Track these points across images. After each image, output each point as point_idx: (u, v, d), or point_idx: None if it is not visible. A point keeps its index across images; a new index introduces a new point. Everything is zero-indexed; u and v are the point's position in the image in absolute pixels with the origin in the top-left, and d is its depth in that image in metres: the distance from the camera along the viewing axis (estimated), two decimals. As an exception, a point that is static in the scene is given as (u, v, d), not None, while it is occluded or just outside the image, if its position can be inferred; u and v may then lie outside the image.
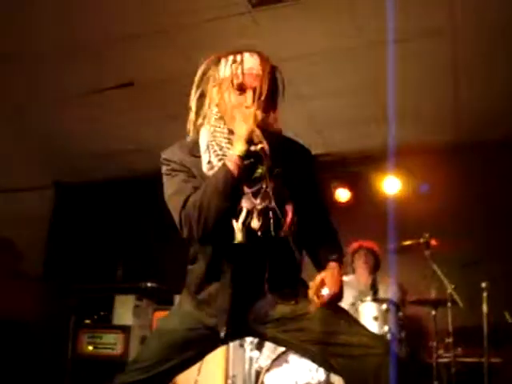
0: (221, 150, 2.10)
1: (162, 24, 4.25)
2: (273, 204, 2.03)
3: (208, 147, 2.13)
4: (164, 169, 2.18)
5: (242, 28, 4.20)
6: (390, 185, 5.90)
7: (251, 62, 2.12)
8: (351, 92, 5.07)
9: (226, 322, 2.09)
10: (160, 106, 5.36)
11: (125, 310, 6.03)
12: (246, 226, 2.02)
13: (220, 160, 2.06)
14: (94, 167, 6.92)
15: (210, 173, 2.07)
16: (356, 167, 6.10)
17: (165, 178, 2.18)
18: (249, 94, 2.06)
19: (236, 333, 2.16)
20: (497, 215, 5.49)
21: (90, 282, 6.34)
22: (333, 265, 2.10)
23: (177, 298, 5.90)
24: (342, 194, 6.07)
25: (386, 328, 4.32)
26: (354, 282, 4.98)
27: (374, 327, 4.26)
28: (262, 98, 2.05)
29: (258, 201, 2.03)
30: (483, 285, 4.23)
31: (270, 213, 2.03)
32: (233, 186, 1.96)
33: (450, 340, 4.34)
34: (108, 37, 4.40)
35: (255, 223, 2.02)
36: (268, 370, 3.87)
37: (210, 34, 4.28)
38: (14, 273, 6.14)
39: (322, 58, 4.61)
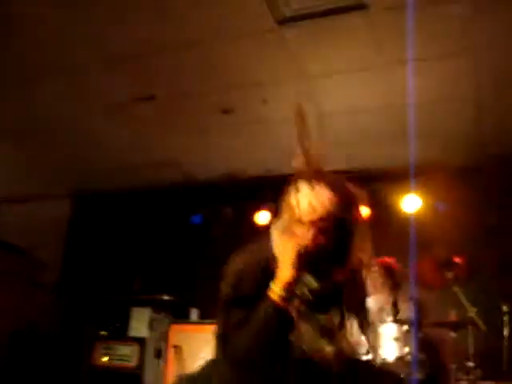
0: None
1: (186, 39, 4.26)
2: None
3: None
4: None
5: (267, 44, 4.21)
6: (411, 203, 5.86)
7: (316, 195, 1.92)
8: (374, 110, 5.06)
9: None
10: (183, 120, 5.40)
11: (141, 323, 6.04)
12: None
13: None
14: (113, 178, 6.94)
15: None
16: (376, 184, 6.06)
17: None
18: (308, 232, 1.86)
19: None
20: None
21: (107, 294, 6.36)
22: None
23: (192, 312, 5.95)
24: (362, 211, 6.01)
25: (406, 349, 4.27)
26: (372, 305, 4.90)
27: (394, 348, 4.21)
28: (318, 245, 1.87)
29: None
30: (504, 308, 4.19)
31: None
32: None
33: (469, 363, 4.28)
34: (134, 50, 4.42)
35: None
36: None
37: (234, 51, 4.31)
38: (32, 282, 6.16)
39: (345, 75, 4.61)
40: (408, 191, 5.83)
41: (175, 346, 5.54)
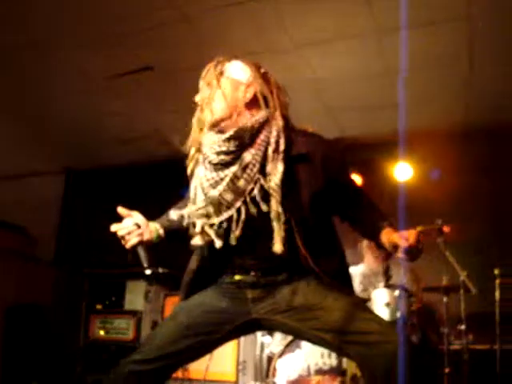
0: None
1: (185, 11, 4.24)
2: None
3: None
4: None
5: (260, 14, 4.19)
6: (402, 171, 5.87)
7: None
8: (364, 77, 5.04)
9: None
10: (175, 94, 5.36)
11: (136, 295, 6.07)
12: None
13: None
14: (105, 153, 6.93)
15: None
16: (368, 153, 6.06)
17: None
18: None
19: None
20: (510, 200, 5.45)
21: (102, 267, 6.38)
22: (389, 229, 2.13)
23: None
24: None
25: (398, 314, 4.30)
26: (366, 270, 4.94)
27: (385, 313, 4.25)
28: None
29: None
30: (496, 271, 4.22)
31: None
32: None
33: (462, 326, 4.32)
34: (127, 24, 4.40)
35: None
36: (280, 356, 3.87)
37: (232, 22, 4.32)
38: (27, 258, 6.18)
39: (336, 43, 4.58)
40: (399, 159, 5.84)
41: (171, 318, 5.56)
